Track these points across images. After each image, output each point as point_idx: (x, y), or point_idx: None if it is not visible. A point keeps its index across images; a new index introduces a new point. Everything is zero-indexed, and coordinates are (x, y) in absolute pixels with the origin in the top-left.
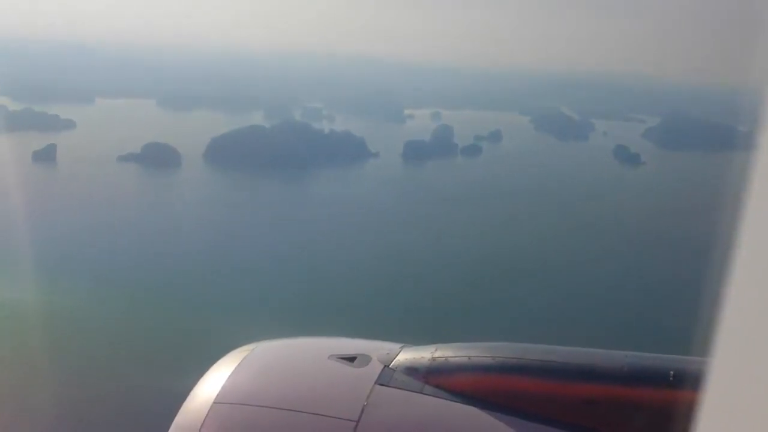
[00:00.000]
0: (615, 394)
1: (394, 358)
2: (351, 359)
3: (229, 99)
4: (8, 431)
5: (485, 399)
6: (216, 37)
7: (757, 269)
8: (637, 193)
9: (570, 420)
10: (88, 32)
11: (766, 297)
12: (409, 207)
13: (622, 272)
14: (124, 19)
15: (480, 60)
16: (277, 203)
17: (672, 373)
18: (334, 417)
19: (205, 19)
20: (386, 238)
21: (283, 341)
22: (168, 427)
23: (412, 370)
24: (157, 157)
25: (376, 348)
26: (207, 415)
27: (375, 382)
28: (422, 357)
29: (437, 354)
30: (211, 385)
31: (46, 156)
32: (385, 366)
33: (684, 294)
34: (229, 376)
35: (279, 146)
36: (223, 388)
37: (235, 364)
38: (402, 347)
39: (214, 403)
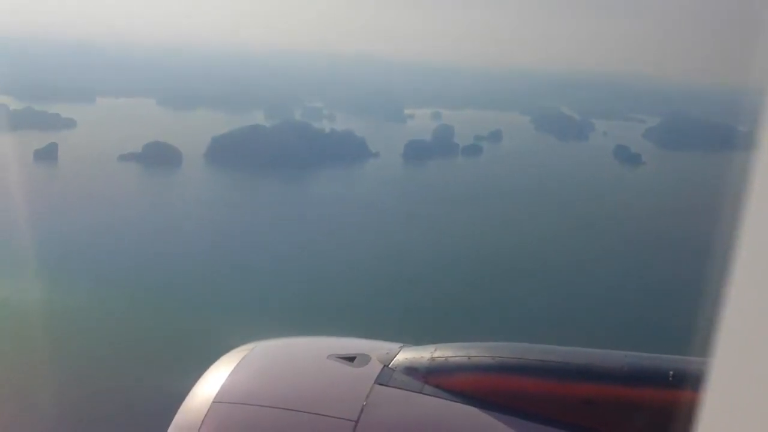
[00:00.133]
0: (614, 394)
1: (394, 358)
2: (350, 359)
3: (230, 98)
4: (9, 430)
5: (485, 399)
6: (217, 36)
7: (758, 269)
8: (638, 193)
9: (569, 420)
10: (89, 31)
11: (766, 297)
12: (410, 207)
13: (623, 272)
14: (125, 18)
15: (480, 60)
16: (278, 203)
17: (671, 373)
18: (333, 417)
19: (206, 18)
20: (387, 238)
21: (282, 341)
22: (167, 427)
23: (411, 370)
24: (159, 157)
25: (375, 348)
26: (206, 414)
27: (374, 382)
28: (422, 357)
29: (437, 354)
30: (210, 385)
31: (47, 155)
32: (384, 366)
33: (684, 294)
34: (229, 376)
35: (280, 146)
36: (222, 387)
37: (235, 364)
38: (401, 347)
39: (214, 402)
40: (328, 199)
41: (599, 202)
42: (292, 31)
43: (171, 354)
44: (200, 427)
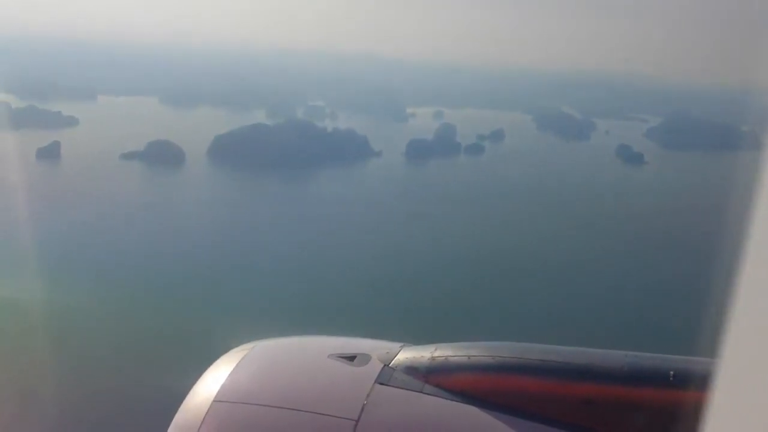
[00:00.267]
0: (614, 394)
1: (394, 358)
2: (351, 358)
3: (233, 97)
4: (10, 429)
5: (485, 398)
6: (219, 35)
7: (765, 269)
8: (640, 193)
9: (569, 420)
10: (91, 29)
11: None
12: (413, 206)
13: (625, 271)
14: (128, 16)
15: (482, 59)
16: (281, 201)
17: (672, 373)
18: (333, 416)
19: (209, 17)
20: (390, 237)
21: (282, 340)
22: (168, 426)
23: (411, 370)
24: (161, 155)
25: (375, 347)
26: (207, 413)
27: (375, 381)
28: (422, 356)
29: (437, 353)
30: (210, 384)
31: (50, 153)
32: (384, 365)
33: (686, 293)
34: (229, 375)
35: (282, 145)
36: (222, 386)
37: (235, 363)
38: (402, 346)
39: (214, 401)
40: (330, 198)
41: (601, 201)
42: (294, 29)
43: (172, 353)
44: (201, 426)
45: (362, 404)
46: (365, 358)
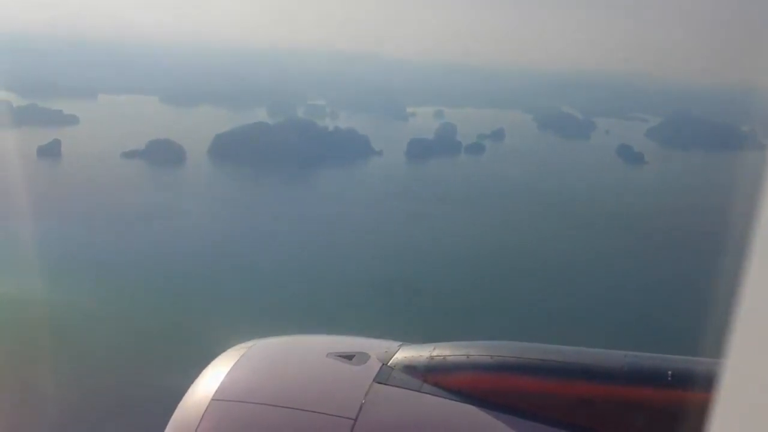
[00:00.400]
0: (613, 393)
1: (393, 356)
2: (349, 357)
3: (233, 96)
4: (11, 427)
5: (484, 398)
6: (219, 33)
7: None
8: (641, 192)
9: (568, 419)
10: (92, 27)
11: None
12: (414, 205)
13: (626, 271)
14: (128, 14)
15: (482, 58)
16: (282, 200)
17: (670, 373)
18: (332, 414)
19: (209, 15)
20: (391, 236)
21: (281, 338)
22: (166, 424)
23: (410, 369)
24: (162, 154)
25: (374, 346)
26: (205, 411)
27: (373, 380)
28: (421, 355)
29: (436, 352)
30: (209, 382)
31: (50, 152)
32: (383, 364)
33: (690, 294)
34: (227, 373)
35: (283, 144)
36: (221, 385)
37: (233, 361)
38: (400, 345)
39: (212, 400)
40: (331, 197)
41: (602, 201)
42: (295, 29)
43: (173, 351)
44: (199, 425)
45: (360, 403)
46: (363, 357)
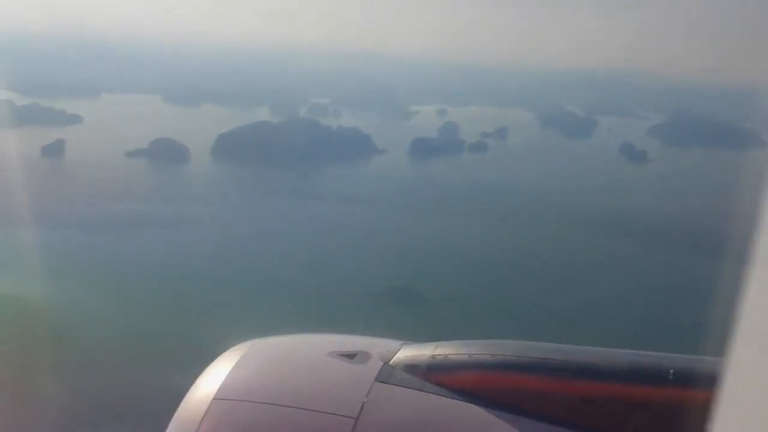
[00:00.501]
0: (616, 392)
1: (394, 356)
2: (351, 356)
3: (236, 95)
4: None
5: (486, 397)
6: (222, 32)
7: None
8: (644, 190)
9: (570, 418)
10: (94, 27)
11: None
12: (419, 203)
13: (630, 269)
14: (131, 13)
15: (485, 56)
16: (285, 199)
17: (672, 371)
18: (333, 413)
19: (212, 14)
20: (395, 235)
21: (282, 338)
22: (167, 423)
23: (412, 368)
24: (165, 153)
25: (376, 345)
26: (207, 411)
27: (375, 379)
28: (422, 354)
29: (438, 351)
30: (210, 382)
31: (54, 151)
32: (384, 363)
33: (693, 292)
34: (229, 373)
35: (287, 143)
36: (222, 384)
37: (235, 361)
38: (402, 344)
39: (214, 399)
40: (335, 196)
41: (605, 198)
42: (297, 27)
43: (176, 350)
44: (200, 424)
45: (362, 402)
46: (365, 356)
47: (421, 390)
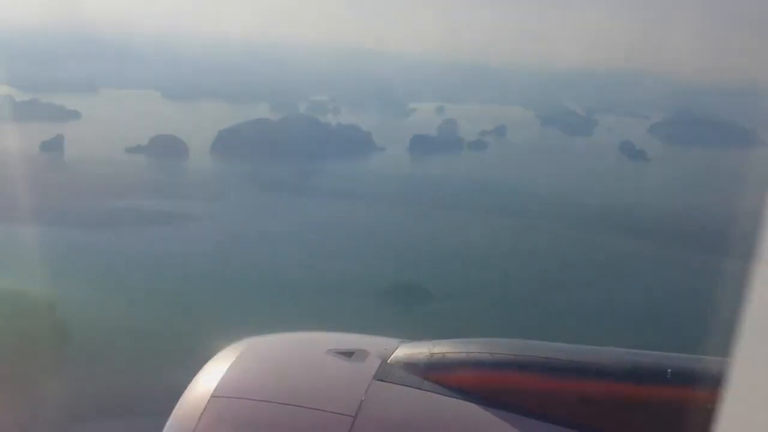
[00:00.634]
0: (615, 391)
1: (393, 354)
2: (348, 354)
3: (235, 91)
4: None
5: (484, 395)
6: (221, 28)
7: None
8: (644, 189)
9: (568, 417)
10: (92, 22)
11: None
12: (418, 201)
13: (630, 268)
14: (129, 9)
15: (484, 54)
16: (285, 196)
17: (669, 371)
18: (331, 411)
19: (211, 10)
20: (395, 232)
21: (280, 335)
22: (165, 421)
23: (410, 366)
24: (165, 150)
25: (374, 343)
26: (204, 408)
27: (373, 377)
28: (421, 353)
29: (436, 350)
30: (208, 379)
31: (54, 147)
32: (383, 361)
33: (693, 291)
34: (227, 370)
35: (286, 140)
36: (220, 381)
37: (233, 358)
38: (400, 342)
39: (212, 396)
40: (335, 193)
41: (605, 197)
42: (296, 24)
43: (174, 347)
44: (198, 422)
45: (360, 400)
46: (363, 354)
47: (419, 388)
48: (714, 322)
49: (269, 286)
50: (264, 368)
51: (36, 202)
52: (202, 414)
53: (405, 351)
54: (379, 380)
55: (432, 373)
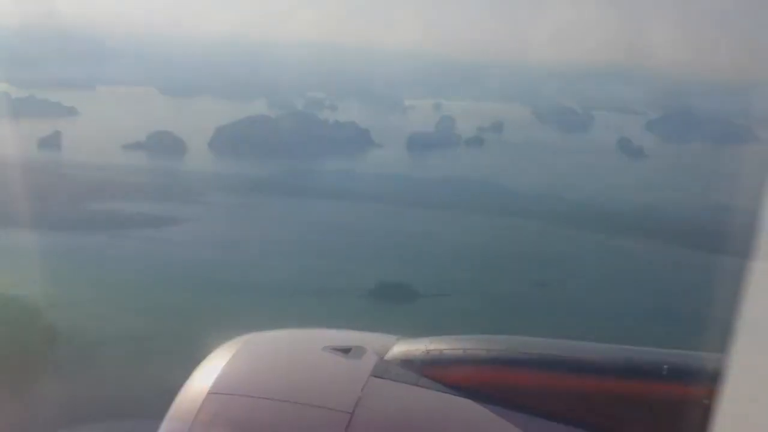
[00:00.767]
0: (611, 388)
1: (390, 350)
2: (345, 351)
3: (232, 88)
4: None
5: (481, 391)
6: (218, 25)
7: None
8: (642, 185)
9: (565, 413)
10: (89, 19)
11: None
12: (415, 197)
13: (628, 266)
14: (127, 6)
15: (481, 51)
16: (282, 193)
17: (666, 367)
18: (328, 408)
19: (209, 7)
20: (390, 229)
21: (277, 332)
22: (162, 418)
23: (407, 362)
24: (162, 147)
25: (371, 339)
26: (201, 404)
27: (370, 374)
28: (418, 349)
29: (433, 346)
30: (205, 376)
31: (51, 143)
32: (380, 358)
33: (691, 289)
34: (224, 367)
35: (285, 136)
36: (217, 378)
37: (230, 355)
38: (398, 339)
39: (209, 393)
40: (331, 189)
41: (602, 194)
42: (293, 21)
43: (171, 344)
44: (195, 418)
45: (357, 397)
46: (360, 351)
47: (416, 385)
48: (711, 318)
49: (265, 283)
50: (261, 365)
51: (32, 198)
52: (198, 410)
53: (402, 348)
54: (376, 377)
55: (429, 370)
